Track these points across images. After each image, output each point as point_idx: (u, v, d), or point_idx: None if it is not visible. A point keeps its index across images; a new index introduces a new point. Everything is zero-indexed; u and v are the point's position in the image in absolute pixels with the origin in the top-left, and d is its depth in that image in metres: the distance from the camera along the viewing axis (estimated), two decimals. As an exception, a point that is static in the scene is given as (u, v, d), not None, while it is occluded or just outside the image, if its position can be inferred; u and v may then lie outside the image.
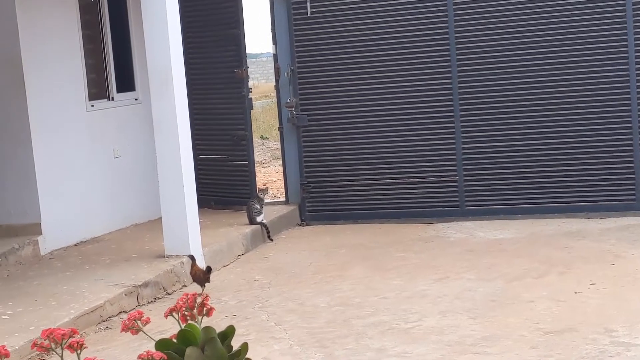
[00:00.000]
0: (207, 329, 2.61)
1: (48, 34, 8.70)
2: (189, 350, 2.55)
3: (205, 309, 2.67)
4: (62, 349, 2.34)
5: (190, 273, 7.40)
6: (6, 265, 7.91)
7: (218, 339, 2.58)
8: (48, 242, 8.46)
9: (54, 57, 8.76)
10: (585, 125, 9.17)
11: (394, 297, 6.77)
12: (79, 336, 2.40)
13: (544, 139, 9.29)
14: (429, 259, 7.96)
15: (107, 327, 6.52)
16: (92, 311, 6.49)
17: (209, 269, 7.40)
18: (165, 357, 2.45)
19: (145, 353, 2.40)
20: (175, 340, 2.63)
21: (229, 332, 2.67)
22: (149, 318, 2.63)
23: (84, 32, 9.15)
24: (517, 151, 9.38)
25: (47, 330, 2.37)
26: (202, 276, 7.30)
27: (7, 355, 2.36)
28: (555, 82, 9.21)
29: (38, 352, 5.70)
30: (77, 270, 7.74)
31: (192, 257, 7.53)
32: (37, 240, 8.34)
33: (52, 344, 2.33)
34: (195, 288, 7.40)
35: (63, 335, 2.33)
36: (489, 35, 9.34)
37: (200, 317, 2.66)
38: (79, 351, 2.35)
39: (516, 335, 5.65)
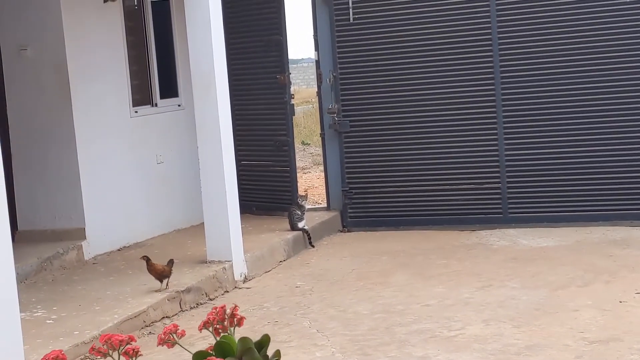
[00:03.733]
0: (244, 339, 2.62)
1: (93, 41, 8.78)
2: (227, 362, 2.56)
3: (235, 319, 2.68)
4: (119, 354, 2.37)
5: (151, 271, 7.16)
6: (51, 270, 7.99)
7: (255, 349, 2.59)
8: (92, 247, 8.53)
9: (99, 64, 8.84)
10: (630, 133, 9.06)
11: (437, 305, 6.74)
12: (135, 343, 2.43)
13: (588, 146, 9.19)
14: (472, 267, 7.91)
15: (150, 333, 6.56)
16: (135, 316, 6.53)
17: (171, 262, 7.23)
18: None
19: None
20: (212, 352, 2.64)
21: (264, 342, 2.68)
22: (184, 331, 2.65)
23: (128, 38, 9.23)
24: (561, 158, 9.29)
25: (105, 335, 2.41)
26: (162, 271, 7.14)
27: (64, 359, 2.40)
28: (601, 88, 9.11)
29: (84, 357, 5.77)
30: (120, 275, 7.80)
31: (146, 258, 7.25)
32: (81, 245, 8.42)
33: (109, 349, 2.37)
34: (235, 298, 7.44)
35: (121, 341, 2.37)
36: (532, 39, 9.27)
37: (232, 328, 2.67)
38: (134, 358, 2.38)
39: (560, 345, 5.60)
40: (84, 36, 8.66)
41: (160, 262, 7.29)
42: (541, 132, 9.34)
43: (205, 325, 2.66)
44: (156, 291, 7.06)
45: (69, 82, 8.47)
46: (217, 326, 2.66)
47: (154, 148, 9.51)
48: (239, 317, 2.67)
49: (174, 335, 2.59)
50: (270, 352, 2.70)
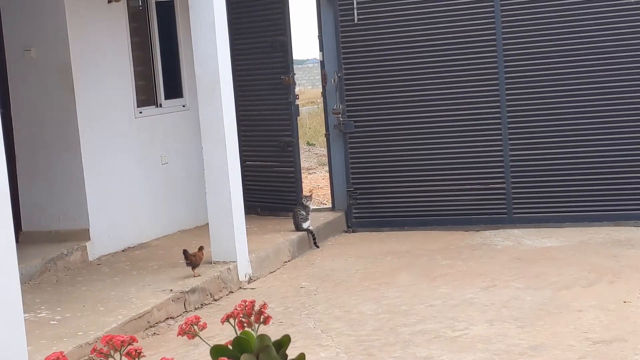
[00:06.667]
0: (262, 337, 2.59)
1: (98, 42, 8.79)
2: (244, 357, 2.54)
3: (262, 317, 2.66)
4: (121, 355, 2.36)
5: (194, 258, 7.51)
6: (55, 271, 8.00)
7: (273, 348, 2.57)
8: (96, 248, 8.54)
9: (104, 64, 8.84)
10: (634, 133, 9.05)
11: (441, 305, 6.74)
12: (137, 344, 2.41)
13: (592, 146, 9.19)
14: (476, 267, 7.91)
15: (154, 333, 6.55)
16: (139, 317, 6.53)
17: (200, 248, 7.61)
18: None
19: None
20: (230, 347, 2.62)
21: (284, 341, 2.65)
22: (205, 323, 2.63)
23: (133, 39, 9.24)
24: (565, 158, 9.28)
25: (107, 336, 2.40)
26: (199, 259, 7.52)
27: None
28: (605, 88, 9.10)
29: (87, 358, 5.78)
30: (125, 275, 7.80)
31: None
32: (86, 246, 8.42)
33: (111, 350, 2.36)
34: (240, 299, 7.44)
35: (122, 342, 2.36)
36: (536, 39, 9.26)
37: (257, 325, 2.65)
38: (136, 359, 2.37)
39: (564, 345, 5.59)
40: (88, 37, 8.67)
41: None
42: (546, 133, 9.34)
43: (229, 317, 2.64)
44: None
45: (74, 83, 8.47)
46: (243, 320, 2.63)
47: (158, 149, 9.52)
48: (266, 315, 2.65)
49: (195, 327, 2.57)
50: (290, 352, 2.68)
